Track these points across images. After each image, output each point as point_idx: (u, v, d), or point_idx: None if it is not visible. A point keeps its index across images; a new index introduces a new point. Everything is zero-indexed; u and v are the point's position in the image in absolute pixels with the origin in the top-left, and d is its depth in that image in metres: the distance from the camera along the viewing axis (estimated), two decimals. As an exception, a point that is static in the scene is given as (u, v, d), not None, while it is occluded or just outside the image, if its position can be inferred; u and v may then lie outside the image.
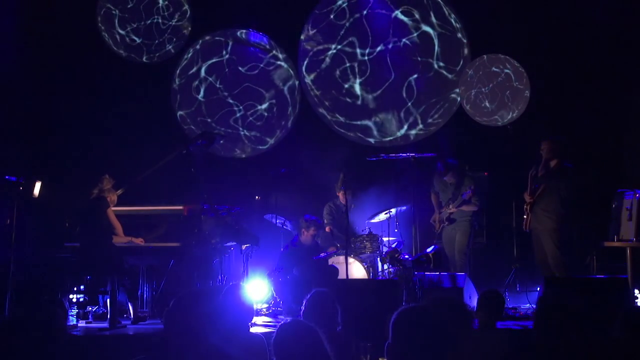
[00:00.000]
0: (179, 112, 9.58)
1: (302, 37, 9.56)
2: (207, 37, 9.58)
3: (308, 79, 9.65)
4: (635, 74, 8.86)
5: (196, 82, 9.58)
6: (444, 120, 9.46)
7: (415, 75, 9.46)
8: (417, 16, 9.43)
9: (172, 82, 9.54)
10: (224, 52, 9.60)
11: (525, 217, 7.36)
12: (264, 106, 9.60)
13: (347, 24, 9.51)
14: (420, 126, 9.50)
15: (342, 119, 9.61)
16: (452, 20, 9.43)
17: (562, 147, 7.31)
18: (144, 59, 9.35)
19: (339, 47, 9.54)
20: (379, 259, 8.13)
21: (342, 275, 7.50)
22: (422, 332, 2.55)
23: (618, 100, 9.09)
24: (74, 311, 6.47)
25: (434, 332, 2.56)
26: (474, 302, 5.86)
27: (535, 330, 3.08)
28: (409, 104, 9.50)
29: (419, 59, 9.45)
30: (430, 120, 9.50)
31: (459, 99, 9.37)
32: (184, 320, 3.01)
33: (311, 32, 9.56)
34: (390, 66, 9.48)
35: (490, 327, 4.15)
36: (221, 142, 9.12)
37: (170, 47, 9.39)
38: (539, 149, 7.41)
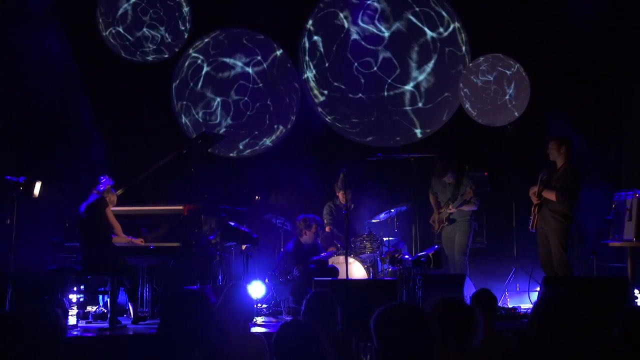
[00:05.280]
0: (179, 112, 9.58)
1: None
2: (208, 37, 9.58)
3: (308, 78, 9.65)
4: (634, 73, 8.87)
5: (196, 82, 9.58)
6: (444, 120, 9.47)
7: (415, 75, 9.48)
8: (418, 16, 9.44)
9: (172, 82, 9.54)
10: (225, 52, 9.60)
11: (532, 217, 7.33)
12: (264, 106, 9.60)
13: (348, 24, 9.53)
14: (421, 127, 9.51)
15: (342, 118, 9.62)
16: (452, 20, 9.43)
17: (569, 147, 7.27)
18: (144, 58, 9.35)
19: (340, 45, 9.55)
20: (379, 259, 8.14)
21: (342, 275, 7.50)
22: (407, 332, 2.49)
23: (618, 100, 9.10)
24: (74, 311, 6.46)
25: (421, 331, 2.51)
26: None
27: (532, 330, 3.07)
28: (410, 104, 9.51)
29: (419, 58, 9.47)
30: (430, 121, 9.51)
31: (459, 99, 9.37)
32: (177, 320, 2.99)
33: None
34: (389, 66, 9.49)
35: (488, 328, 4.15)
36: (221, 142, 9.11)
37: (170, 46, 9.39)
38: (546, 148, 7.36)
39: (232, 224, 7.63)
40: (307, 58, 9.65)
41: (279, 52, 9.63)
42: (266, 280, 7.80)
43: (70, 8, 8.97)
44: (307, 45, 9.64)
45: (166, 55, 9.41)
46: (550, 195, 7.18)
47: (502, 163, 8.86)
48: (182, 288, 6.62)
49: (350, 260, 7.67)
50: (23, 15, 8.70)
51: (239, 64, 9.62)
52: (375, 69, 9.50)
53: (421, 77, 9.49)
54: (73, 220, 7.13)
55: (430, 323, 2.53)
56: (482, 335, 2.92)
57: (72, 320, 6.35)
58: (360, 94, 9.54)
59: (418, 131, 9.51)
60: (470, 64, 9.33)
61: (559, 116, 8.93)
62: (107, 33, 9.29)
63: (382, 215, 8.45)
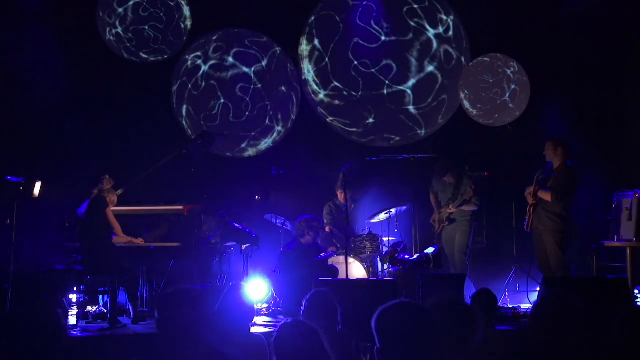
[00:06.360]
0: (179, 112, 9.57)
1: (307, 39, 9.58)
2: (207, 37, 9.57)
3: (308, 79, 9.65)
4: (634, 73, 8.87)
5: (196, 82, 9.58)
6: (444, 120, 9.48)
7: (415, 75, 9.48)
8: (417, 16, 9.44)
9: (172, 82, 9.54)
10: (224, 52, 9.60)
11: (527, 217, 7.36)
12: (264, 106, 9.60)
13: (346, 24, 9.53)
14: (421, 127, 9.51)
15: (342, 118, 9.62)
16: (452, 20, 9.43)
17: (565, 148, 7.31)
18: (144, 59, 9.35)
19: (340, 45, 9.55)
20: (379, 259, 8.14)
21: (342, 275, 7.51)
22: (410, 330, 2.47)
23: (618, 100, 9.10)
24: (74, 311, 6.47)
25: (425, 329, 2.48)
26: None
27: (532, 330, 3.07)
28: (409, 104, 9.52)
29: (419, 58, 9.46)
30: (430, 121, 9.51)
31: (459, 99, 9.37)
32: (174, 318, 2.99)
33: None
34: (389, 66, 9.49)
35: (488, 328, 4.15)
36: (221, 141, 9.11)
37: (170, 47, 9.39)
38: (543, 149, 7.40)
39: (232, 223, 7.63)
40: (306, 58, 9.64)
41: (278, 52, 9.63)
42: (266, 280, 7.80)
43: (71, 9, 8.97)
44: (306, 45, 9.63)
45: (166, 56, 9.40)
46: (546, 196, 7.21)
47: (502, 163, 8.86)
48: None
49: (350, 260, 7.68)
50: (22, 16, 8.70)
51: (239, 64, 9.62)
52: (374, 69, 9.50)
53: (421, 77, 9.49)
54: (73, 220, 7.14)
55: (433, 319, 2.52)
56: (482, 335, 2.91)
57: (72, 320, 6.36)
58: (360, 94, 9.53)
59: (421, 131, 9.50)
60: (470, 64, 9.33)
61: (558, 116, 8.93)
62: (108, 33, 9.29)
63: (382, 215, 8.45)
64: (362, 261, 7.97)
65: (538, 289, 7.54)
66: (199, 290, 6.10)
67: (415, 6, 9.43)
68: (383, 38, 9.48)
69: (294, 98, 9.63)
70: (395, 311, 2.55)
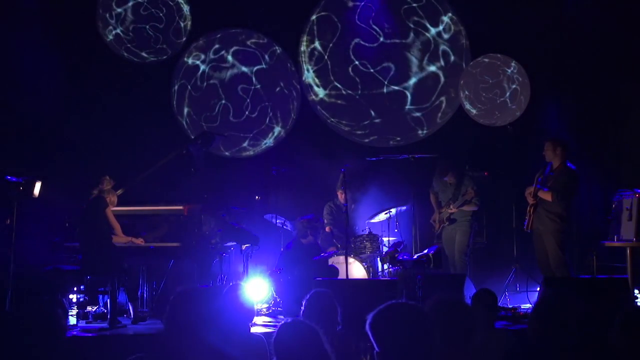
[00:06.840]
0: (179, 112, 9.58)
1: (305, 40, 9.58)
2: (207, 37, 9.57)
3: (308, 79, 9.65)
4: (635, 72, 8.86)
5: (196, 83, 9.58)
6: (444, 120, 9.48)
7: (415, 75, 9.48)
8: (417, 15, 9.44)
9: (172, 82, 9.54)
10: (224, 53, 9.60)
11: (527, 217, 7.36)
12: (265, 106, 9.60)
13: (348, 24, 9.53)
14: (422, 127, 9.51)
15: (342, 119, 9.62)
16: (452, 20, 9.43)
17: (564, 148, 7.32)
18: (144, 59, 9.35)
19: (339, 46, 9.55)
20: (379, 259, 8.14)
21: (342, 275, 7.51)
22: (406, 331, 2.45)
23: (618, 100, 9.09)
24: (74, 311, 6.47)
25: (420, 327, 2.46)
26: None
27: (532, 330, 3.06)
28: (410, 104, 9.52)
29: (419, 57, 9.46)
30: (431, 121, 9.50)
31: (459, 99, 9.37)
32: (184, 317, 2.99)
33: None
34: (389, 66, 9.49)
35: (488, 328, 4.15)
36: (221, 141, 9.11)
37: (170, 47, 9.39)
38: (543, 149, 7.40)
39: (232, 223, 7.63)
40: (306, 58, 9.64)
41: (278, 52, 9.63)
42: (267, 280, 7.80)
43: (71, 9, 8.97)
44: (306, 45, 9.63)
45: (166, 56, 9.40)
46: (546, 196, 7.21)
47: (502, 163, 8.86)
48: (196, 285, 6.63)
49: (350, 260, 7.68)
50: (21, 16, 8.70)
51: (239, 64, 9.62)
52: (375, 69, 9.50)
53: (421, 77, 9.49)
54: (73, 220, 7.14)
55: (425, 316, 2.51)
56: (482, 335, 2.91)
57: (72, 320, 6.36)
58: (360, 94, 9.53)
59: (422, 131, 9.49)
60: (470, 64, 9.33)
61: (559, 116, 8.93)
62: (108, 33, 9.29)
63: (382, 215, 8.45)
64: (362, 261, 7.97)
65: (538, 289, 7.53)
66: (212, 289, 6.11)
67: (415, 5, 9.43)
68: (382, 38, 9.48)
69: (294, 98, 9.63)
70: (388, 313, 2.53)
